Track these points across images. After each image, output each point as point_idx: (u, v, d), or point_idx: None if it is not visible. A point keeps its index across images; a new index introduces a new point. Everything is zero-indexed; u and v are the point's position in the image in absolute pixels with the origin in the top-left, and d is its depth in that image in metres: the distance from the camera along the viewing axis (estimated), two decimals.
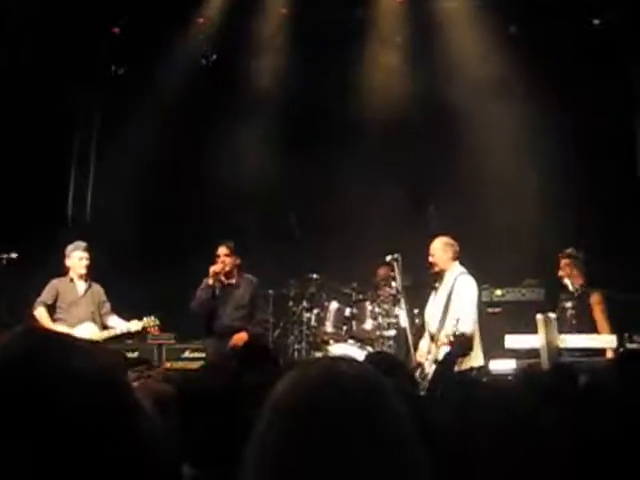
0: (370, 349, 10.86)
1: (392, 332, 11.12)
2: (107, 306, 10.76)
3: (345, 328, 11.32)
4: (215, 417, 3.17)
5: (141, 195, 13.46)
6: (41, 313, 10.27)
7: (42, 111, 12.83)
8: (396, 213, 12.31)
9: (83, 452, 1.35)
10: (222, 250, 10.51)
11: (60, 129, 13.84)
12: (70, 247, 10.60)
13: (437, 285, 9.71)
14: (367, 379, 1.69)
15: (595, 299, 9.72)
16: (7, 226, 11.77)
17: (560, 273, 10.00)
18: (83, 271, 10.54)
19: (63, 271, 10.61)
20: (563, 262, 9.99)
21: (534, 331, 8.97)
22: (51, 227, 12.97)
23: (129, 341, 11.55)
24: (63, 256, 10.60)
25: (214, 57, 14.19)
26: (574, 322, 9.59)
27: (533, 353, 8.89)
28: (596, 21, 12.61)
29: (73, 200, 14.50)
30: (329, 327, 11.34)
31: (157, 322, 10.72)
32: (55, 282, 10.48)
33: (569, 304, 9.82)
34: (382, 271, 12.13)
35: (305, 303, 11.65)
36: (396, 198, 12.32)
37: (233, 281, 10.63)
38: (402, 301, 10.67)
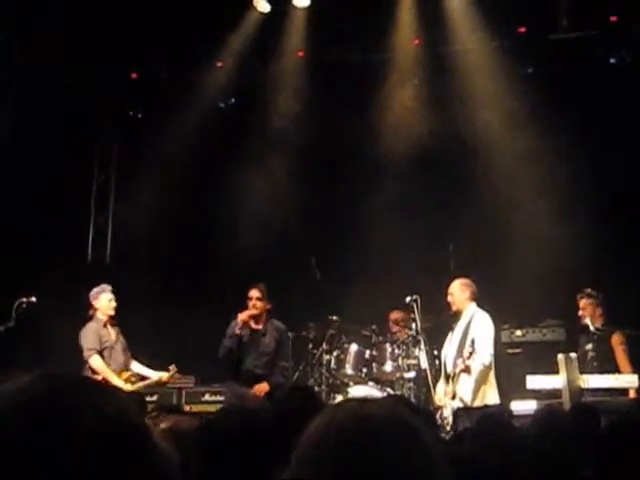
0: (390, 391, 10.81)
1: (412, 374, 11.05)
2: (128, 351, 10.73)
3: (365, 370, 11.25)
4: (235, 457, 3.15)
5: (160, 237, 13.51)
6: (97, 361, 10.19)
7: (61, 154, 12.96)
8: (416, 254, 12.29)
9: None
10: (254, 293, 10.45)
11: (79, 172, 13.98)
12: (97, 290, 10.54)
13: (454, 326, 9.84)
14: (397, 420, 1.68)
15: (616, 340, 9.64)
16: (27, 269, 11.83)
17: (580, 313, 9.93)
18: (112, 312, 10.49)
19: (88, 315, 10.50)
20: (583, 302, 9.92)
21: (555, 372, 8.90)
22: (71, 270, 13.01)
23: None
24: (87, 299, 10.51)
25: (232, 100, 14.30)
26: (595, 363, 9.52)
27: (554, 394, 8.81)
28: (612, 60, 12.66)
29: (93, 242, 14.58)
30: (349, 369, 11.28)
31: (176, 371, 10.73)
32: (93, 327, 10.38)
33: (589, 345, 9.76)
34: (394, 315, 12.11)
35: (325, 345, 11.58)
36: (416, 238, 12.32)
37: (260, 326, 10.57)
38: (422, 342, 10.64)
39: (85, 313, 10.56)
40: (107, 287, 10.60)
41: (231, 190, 13.29)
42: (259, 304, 10.43)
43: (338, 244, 13.15)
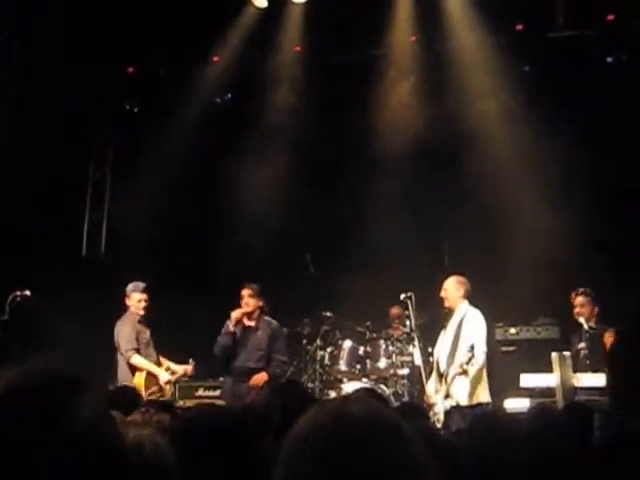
0: (384, 387, 10.82)
1: (406, 371, 11.08)
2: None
3: (359, 367, 11.28)
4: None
5: (156, 234, 13.49)
6: (138, 358, 10.34)
7: (58, 150, 12.93)
8: (410, 251, 12.30)
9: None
10: (246, 292, 10.61)
11: (75, 166, 13.95)
12: (130, 287, 10.71)
13: (446, 323, 9.89)
14: (379, 418, 1.67)
15: (609, 338, 9.63)
16: (22, 264, 11.82)
17: (577, 311, 9.89)
18: (142, 312, 10.61)
19: (124, 310, 10.69)
20: (580, 300, 9.88)
21: (549, 370, 8.90)
22: (65, 265, 13.00)
23: None
24: (124, 295, 10.71)
25: (229, 96, 14.29)
26: (588, 362, 9.50)
27: (548, 392, 8.82)
28: (609, 59, 12.67)
29: (87, 238, 14.57)
30: (343, 366, 11.29)
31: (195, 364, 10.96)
32: (129, 324, 10.52)
33: (583, 344, 9.74)
34: (394, 310, 12.14)
35: (319, 341, 11.60)
36: (410, 235, 12.31)
37: (253, 323, 10.70)
38: (416, 339, 10.66)
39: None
40: (140, 285, 10.74)
41: (228, 186, 13.27)
42: (251, 302, 10.56)
43: (333, 241, 13.16)
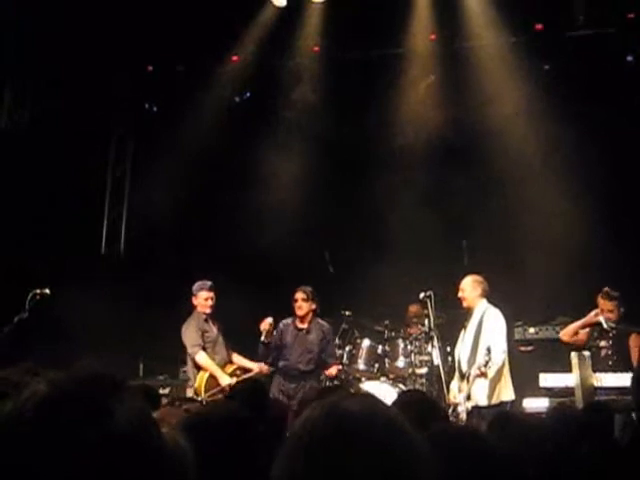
0: (402, 387, 10.81)
1: (424, 370, 11.06)
2: (228, 344, 10.95)
3: (377, 366, 11.27)
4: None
5: (175, 230, 13.53)
6: (203, 357, 10.42)
7: (77, 147, 12.98)
8: (430, 250, 12.28)
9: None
10: (300, 295, 10.87)
11: (94, 164, 14.00)
12: (197, 286, 10.78)
13: (466, 323, 9.87)
14: (376, 418, 1.64)
15: (634, 341, 9.55)
16: (41, 260, 11.86)
17: (605, 315, 9.70)
18: (209, 311, 10.68)
19: (192, 308, 10.78)
20: (608, 305, 9.67)
21: (567, 369, 8.87)
22: (85, 262, 13.05)
23: (160, 377, 11.57)
24: (190, 294, 10.79)
25: (247, 94, 14.29)
26: (610, 362, 9.45)
27: (567, 392, 8.78)
28: (629, 58, 12.61)
29: (107, 235, 14.61)
30: (361, 365, 11.29)
31: None
32: (194, 323, 10.63)
33: (603, 342, 9.68)
34: (413, 309, 12.12)
35: (337, 340, 11.59)
36: (429, 234, 12.28)
37: (305, 326, 10.94)
38: (435, 338, 10.64)
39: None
40: (207, 284, 10.78)
41: (246, 184, 13.30)
42: (304, 305, 10.84)
43: (353, 239, 13.15)
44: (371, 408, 1.67)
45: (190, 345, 10.44)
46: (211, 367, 10.38)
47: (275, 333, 10.78)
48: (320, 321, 11.06)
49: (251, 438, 3.29)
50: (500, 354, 9.35)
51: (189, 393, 10.48)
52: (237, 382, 9.56)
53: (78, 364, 1.52)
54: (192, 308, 10.74)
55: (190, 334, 10.50)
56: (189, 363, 10.55)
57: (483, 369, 9.23)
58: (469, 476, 1.66)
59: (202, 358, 10.38)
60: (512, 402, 9.40)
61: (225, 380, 10.35)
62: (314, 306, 10.92)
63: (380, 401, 1.76)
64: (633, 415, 6.10)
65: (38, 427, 1.38)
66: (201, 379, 10.34)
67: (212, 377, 10.41)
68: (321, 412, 1.64)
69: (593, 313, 9.67)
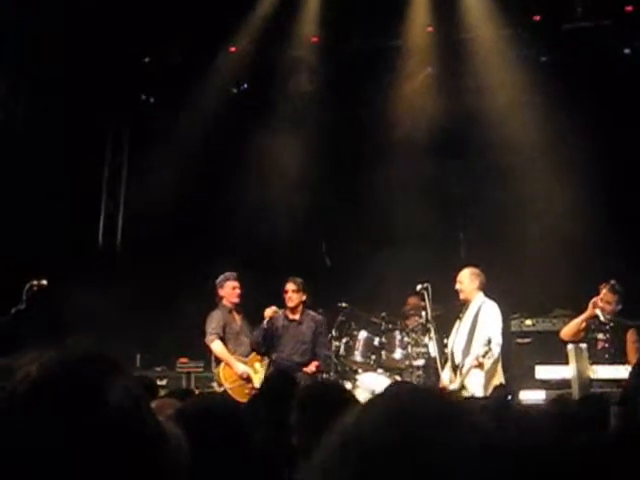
0: (399, 379, 10.82)
1: (421, 362, 11.04)
2: None
3: (374, 357, 11.25)
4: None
5: (172, 222, 13.52)
6: (218, 345, 10.64)
7: (74, 140, 12.96)
8: (427, 242, 12.28)
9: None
10: (290, 286, 10.84)
11: (91, 157, 13.98)
12: (222, 277, 10.99)
13: (462, 315, 9.90)
14: (436, 414, 1.45)
15: (632, 336, 9.55)
16: (38, 252, 11.86)
17: (602, 305, 9.70)
18: (237, 300, 10.91)
19: (215, 301, 11.00)
20: (609, 297, 9.64)
21: (564, 361, 8.88)
22: (82, 254, 13.04)
23: (158, 368, 11.59)
24: (214, 287, 11.01)
25: (245, 85, 14.28)
26: (606, 355, 9.45)
27: (564, 384, 8.79)
28: (626, 50, 12.61)
29: (103, 227, 14.60)
30: (358, 356, 11.28)
31: None
32: (218, 314, 10.84)
33: (600, 335, 9.69)
34: (412, 300, 12.12)
35: (334, 332, 11.57)
36: (427, 226, 12.28)
37: (297, 317, 10.93)
38: (432, 330, 10.64)
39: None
40: (232, 274, 10.99)
41: (244, 176, 13.28)
42: (295, 296, 10.82)
43: (350, 231, 13.15)
44: (444, 407, 1.47)
45: (208, 333, 10.69)
46: (224, 355, 10.62)
47: (266, 325, 10.75)
48: (311, 312, 11.07)
49: (246, 433, 3.30)
50: (496, 347, 9.39)
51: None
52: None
53: (69, 342, 1.51)
54: (215, 301, 10.99)
55: (211, 323, 10.75)
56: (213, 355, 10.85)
57: (481, 359, 9.25)
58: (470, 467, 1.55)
59: (217, 346, 10.63)
60: (501, 385, 9.39)
61: (239, 368, 10.59)
62: (304, 297, 10.91)
63: (442, 399, 1.57)
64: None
65: (30, 411, 1.38)
66: (219, 369, 10.64)
67: (228, 366, 10.64)
68: (382, 411, 1.44)
69: (591, 305, 9.67)
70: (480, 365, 9.33)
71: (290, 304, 10.84)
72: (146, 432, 1.45)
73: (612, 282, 9.62)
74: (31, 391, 1.40)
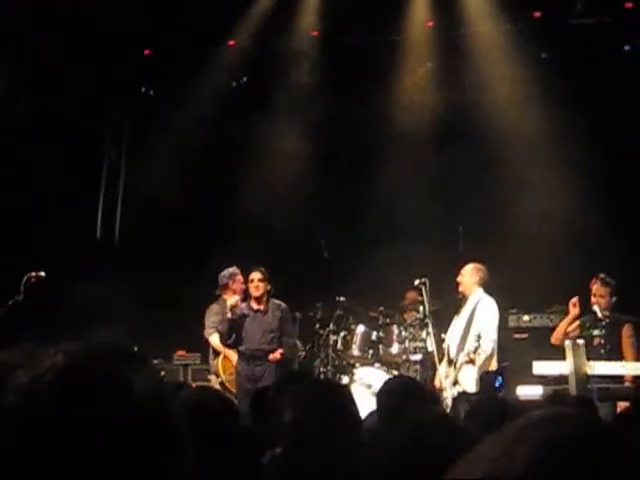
0: (396, 373, 10.82)
1: (419, 356, 11.05)
2: None
3: (371, 352, 11.27)
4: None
5: (170, 216, 13.51)
6: (215, 338, 10.84)
7: (72, 132, 12.96)
8: (425, 236, 12.27)
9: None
10: (256, 275, 10.69)
11: (90, 149, 13.98)
12: (231, 271, 11.19)
13: (460, 310, 9.93)
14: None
15: (627, 331, 9.54)
16: (37, 245, 11.86)
17: (595, 300, 9.69)
18: (257, 293, 10.77)
19: (215, 295, 11.19)
20: (600, 290, 9.65)
21: (561, 357, 8.89)
22: (80, 246, 13.04)
23: (155, 361, 11.59)
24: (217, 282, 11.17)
25: (244, 79, 14.27)
26: (602, 351, 9.43)
27: (561, 379, 8.80)
28: (627, 47, 12.62)
29: (102, 221, 14.60)
30: (355, 350, 11.30)
31: None
32: (217, 308, 10.99)
33: (596, 332, 9.68)
34: (411, 295, 12.12)
35: (332, 326, 11.59)
36: (425, 220, 12.29)
37: (262, 307, 10.77)
38: (429, 325, 10.65)
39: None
40: (237, 269, 11.16)
41: (243, 169, 13.28)
42: (261, 285, 10.66)
43: (347, 225, 13.16)
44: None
45: (207, 326, 10.82)
46: (222, 348, 10.76)
47: (231, 316, 10.61)
48: (277, 301, 10.91)
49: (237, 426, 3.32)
50: (490, 343, 9.42)
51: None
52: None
53: (93, 337, 1.54)
54: (218, 295, 11.14)
55: (209, 317, 10.88)
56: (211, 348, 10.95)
57: (472, 355, 9.30)
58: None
59: (215, 339, 10.81)
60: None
61: (235, 358, 10.67)
62: (269, 287, 10.76)
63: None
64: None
65: (57, 397, 1.39)
66: (217, 361, 10.77)
67: (226, 359, 10.76)
68: (574, 433, 1.20)
69: (571, 305, 9.68)
70: (471, 361, 9.37)
71: (255, 293, 10.65)
72: (167, 423, 1.47)
73: (601, 275, 9.59)
74: (58, 380, 1.42)
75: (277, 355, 10.54)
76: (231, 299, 10.69)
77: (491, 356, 9.52)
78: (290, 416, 3.78)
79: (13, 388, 1.44)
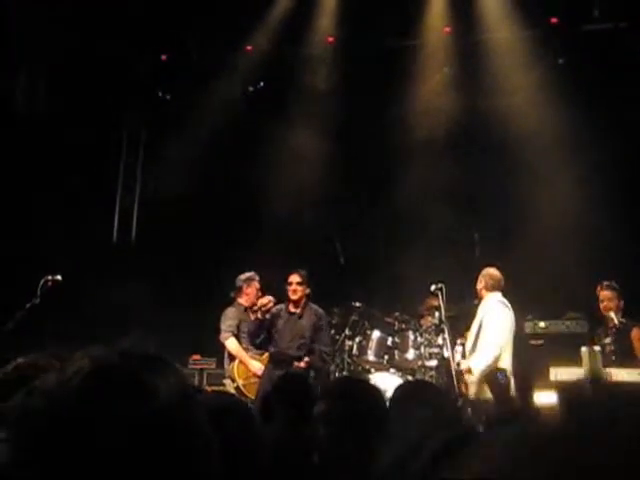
0: (411, 379, 10.80)
1: (434, 362, 11.03)
2: None
3: (387, 357, 11.25)
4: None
5: (186, 219, 13.55)
6: (232, 343, 10.78)
7: (89, 134, 13.01)
8: (441, 242, 12.27)
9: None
10: (294, 278, 10.58)
11: (107, 153, 14.03)
12: (249, 275, 11.18)
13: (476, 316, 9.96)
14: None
15: (637, 334, 9.54)
16: (54, 248, 11.90)
17: (605, 305, 9.77)
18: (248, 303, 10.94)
19: (230, 297, 11.16)
20: (606, 294, 9.75)
21: (577, 364, 8.86)
22: (96, 249, 13.09)
23: None
24: (233, 285, 11.15)
25: (261, 84, 14.30)
26: (613, 358, 9.43)
27: None
28: None
29: (118, 223, 14.65)
30: (371, 356, 11.27)
31: None
32: (233, 311, 10.97)
33: (608, 339, 9.68)
34: (430, 301, 12.09)
35: (347, 331, 11.57)
36: (442, 226, 12.28)
37: (298, 310, 10.65)
38: (445, 331, 10.62)
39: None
40: (256, 275, 11.16)
41: (259, 173, 13.30)
42: (299, 288, 10.53)
43: (365, 230, 13.16)
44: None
45: (223, 330, 10.78)
46: (239, 353, 10.71)
47: (267, 317, 10.46)
48: (314, 306, 10.77)
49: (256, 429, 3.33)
50: (492, 346, 9.36)
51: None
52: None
53: (121, 342, 1.55)
54: (233, 298, 11.12)
55: (226, 321, 10.84)
56: (226, 352, 10.91)
57: (464, 365, 9.38)
58: None
59: (231, 344, 10.75)
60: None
61: (253, 365, 10.66)
62: (308, 290, 10.61)
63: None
64: None
65: (83, 402, 1.40)
66: (233, 366, 10.69)
67: (242, 364, 10.71)
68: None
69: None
70: (469, 371, 9.38)
71: (294, 297, 10.51)
72: (193, 428, 1.48)
73: (605, 283, 9.73)
74: (85, 384, 1.43)
75: (302, 364, 10.35)
76: (263, 299, 10.50)
77: (495, 360, 9.46)
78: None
79: (40, 391, 1.45)
